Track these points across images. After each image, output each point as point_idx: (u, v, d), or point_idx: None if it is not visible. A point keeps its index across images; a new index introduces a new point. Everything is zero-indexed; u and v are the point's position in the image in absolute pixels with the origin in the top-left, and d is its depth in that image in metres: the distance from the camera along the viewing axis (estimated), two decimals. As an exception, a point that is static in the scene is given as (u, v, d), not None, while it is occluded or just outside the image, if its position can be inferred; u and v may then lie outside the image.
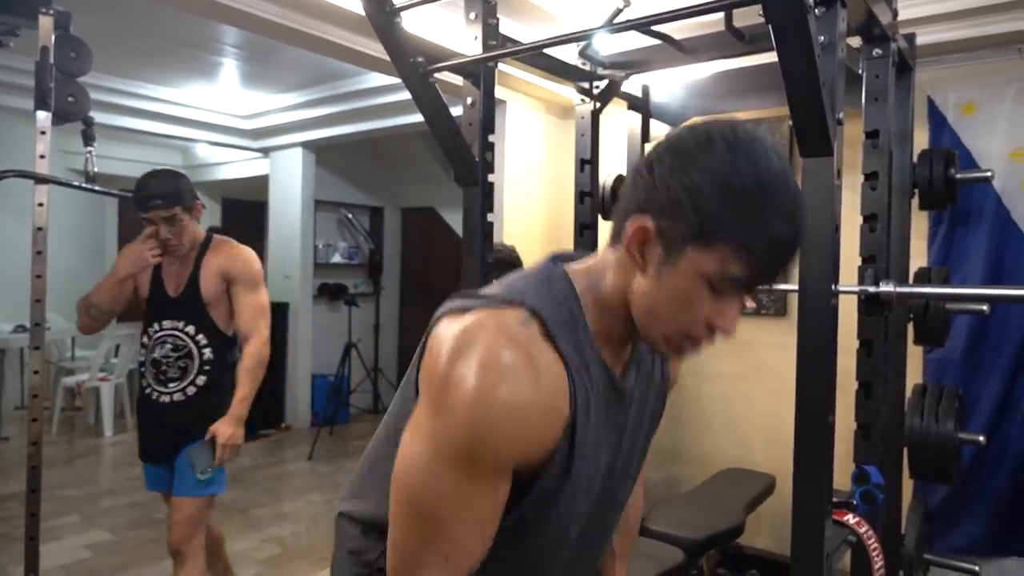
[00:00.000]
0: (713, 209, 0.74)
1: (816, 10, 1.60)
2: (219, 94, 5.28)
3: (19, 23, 2.12)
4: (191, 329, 2.26)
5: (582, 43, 2.77)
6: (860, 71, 2.25)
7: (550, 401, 0.75)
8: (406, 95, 4.28)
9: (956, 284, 2.63)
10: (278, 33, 2.79)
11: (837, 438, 1.78)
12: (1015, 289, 2.50)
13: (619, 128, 3.38)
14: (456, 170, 2.31)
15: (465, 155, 2.24)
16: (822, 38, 1.62)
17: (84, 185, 2.23)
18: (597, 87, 2.98)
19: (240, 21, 2.73)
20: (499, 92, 2.58)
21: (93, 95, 2.21)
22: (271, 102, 5.41)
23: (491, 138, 2.31)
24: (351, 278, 6.41)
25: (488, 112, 2.28)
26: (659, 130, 3.42)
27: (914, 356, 2.71)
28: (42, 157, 2.09)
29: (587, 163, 3.02)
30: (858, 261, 2.17)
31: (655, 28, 2.16)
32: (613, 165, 3.34)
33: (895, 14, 2.15)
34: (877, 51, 2.14)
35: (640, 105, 3.20)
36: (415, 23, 2.35)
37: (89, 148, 2.26)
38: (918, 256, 2.71)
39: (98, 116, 2.30)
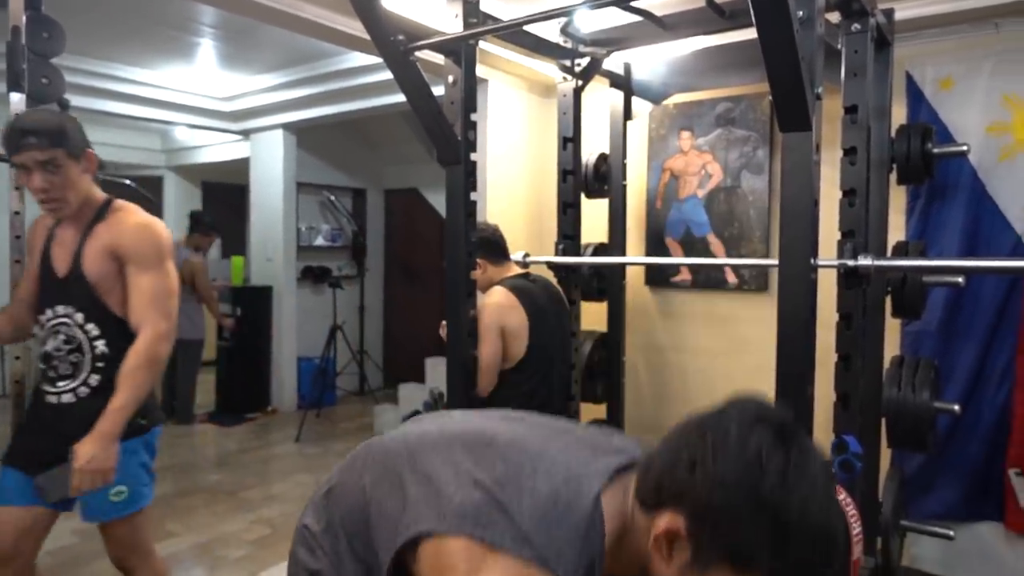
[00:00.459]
0: (754, 541, 0.74)
1: (795, -15, 1.61)
2: (197, 75, 5.20)
3: (-12, 3, 2.08)
4: (80, 317, 1.84)
5: (563, 20, 2.76)
6: (839, 46, 2.26)
7: None
8: (387, 75, 4.24)
9: (933, 257, 2.67)
10: (256, 12, 2.75)
11: (817, 409, 1.82)
12: (989, 260, 2.55)
13: (601, 106, 3.38)
14: (439, 149, 2.31)
15: (447, 134, 2.24)
16: (801, 13, 1.64)
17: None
18: (579, 65, 2.98)
19: (217, 0, 2.69)
20: (480, 71, 2.57)
21: (67, 78, 2.17)
22: (250, 83, 5.34)
23: (473, 117, 2.31)
24: (335, 260, 6.39)
25: (470, 91, 2.28)
26: (641, 107, 3.43)
27: (891, 329, 2.76)
28: (17, 140, 2.05)
29: (569, 141, 3.02)
30: (837, 236, 2.20)
31: (636, 4, 2.15)
32: (596, 143, 3.34)
33: (874, -11, 2.16)
34: (856, 26, 2.15)
35: (622, 82, 3.20)
36: (395, 1, 2.33)
37: (65, 131, 2.22)
38: (896, 231, 2.74)
39: (72, 99, 2.25)
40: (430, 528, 0.85)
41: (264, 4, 2.66)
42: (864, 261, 2.05)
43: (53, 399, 1.86)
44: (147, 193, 2.43)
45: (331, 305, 5.59)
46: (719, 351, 3.39)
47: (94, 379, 1.85)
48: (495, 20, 2.42)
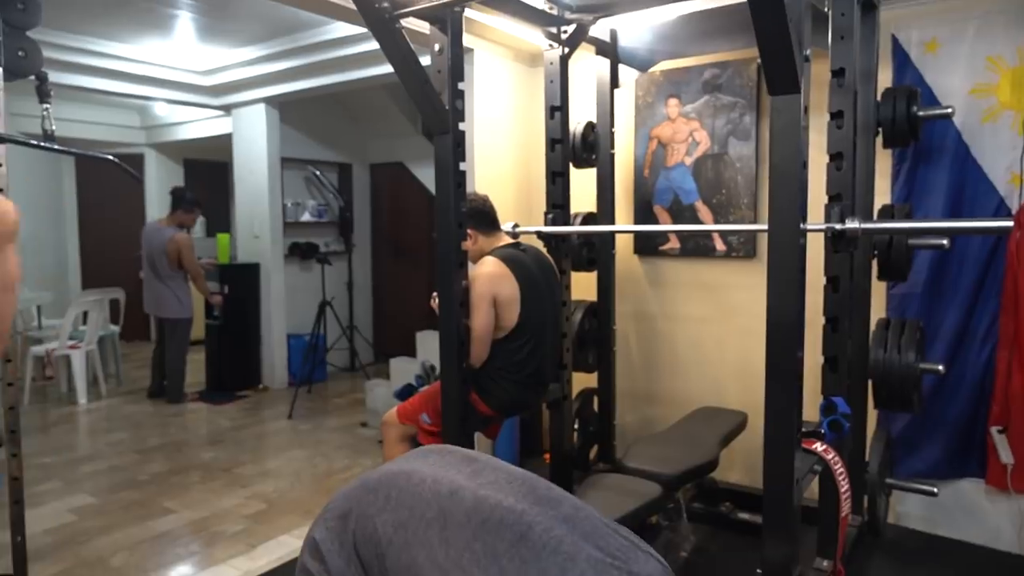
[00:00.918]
0: None
1: (783, -54, 1.60)
2: (175, 49, 5.09)
3: (-41, -26, 2.02)
4: None
5: (549, -14, 2.72)
6: (826, 9, 2.26)
7: None
8: (370, 46, 4.18)
9: (918, 220, 2.70)
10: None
11: (805, 372, 1.85)
12: (973, 222, 2.58)
13: (588, 74, 3.36)
14: (426, 119, 2.29)
15: (435, 103, 2.22)
16: (789, -26, 1.63)
17: (44, 144, 2.16)
18: (565, 32, 2.95)
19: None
20: (466, 40, 2.54)
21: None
22: (230, 56, 5.23)
23: (460, 86, 2.29)
24: (322, 236, 6.34)
25: (456, 59, 2.26)
26: (628, 75, 3.41)
27: (877, 292, 2.80)
28: (-4, 115, 2.02)
29: (557, 110, 3.01)
30: (824, 200, 2.22)
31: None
32: (583, 112, 3.33)
33: (860, -50, 2.15)
34: (843, -12, 2.15)
35: (608, 50, 3.17)
36: (378, -33, 2.28)
37: (45, 105, 2.18)
38: (882, 194, 2.77)
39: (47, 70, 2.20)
40: None
41: (243, -27, 2.61)
42: (851, 224, 2.07)
43: None
44: (132, 170, 2.38)
45: (319, 281, 5.56)
46: (709, 318, 3.42)
47: None
48: None
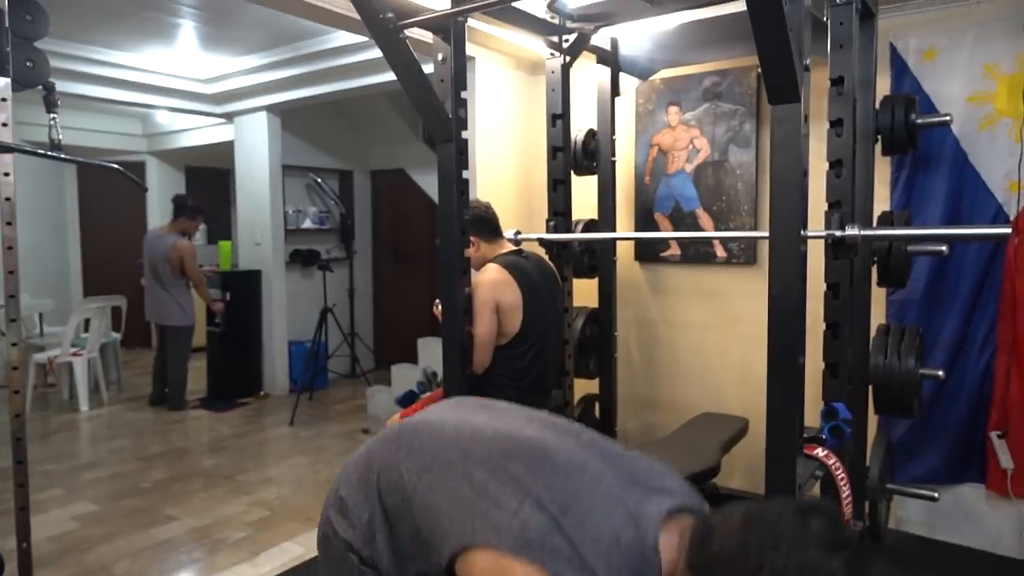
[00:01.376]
0: None
1: (782, -43, 1.62)
2: (178, 58, 5.12)
3: (-32, -15, 2.04)
4: None
5: (551, -4, 2.75)
6: (825, 19, 2.28)
7: None
8: (371, 54, 4.21)
9: (917, 226, 2.72)
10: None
11: (806, 378, 1.87)
12: (972, 228, 2.60)
13: (589, 83, 3.38)
14: (430, 128, 2.31)
15: (438, 112, 2.24)
16: (788, -15, 1.65)
17: (51, 153, 2.18)
18: (566, 41, 2.98)
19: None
20: (468, 49, 2.56)
21: (47, 61, 2.14)
22: (233, 65, 5.26)
23: (463, 95, 2.31)
24: (323, 243, 6.36)
25: (460, 68, 2.28)
26: (628, 83, 3.44)
27: (877, 298, 2.82)
28: (4, 125, 2.04)
29: (558, 118, 3.03)
30: (824, 207, 2.24)
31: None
32: (584, 120, 3.35)
33: (859, -40, 2.18)
34: (841, -2, 2.17)
35: (609, 58, 3.20)
36: (381, -22, 2.31)
37: (52, 115, 2.20)
38: (881, 201, 2.79)
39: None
40: (489, 541, 0.87)
41: (248, -17, 2.63)
42: (851, 231, 2.09)
43: None
44: (136, 178, 2.40)
45: (321, 288, 5.57)
46: (710, 324, 3.44)
47: None
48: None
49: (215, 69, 5.37)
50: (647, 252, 3.60)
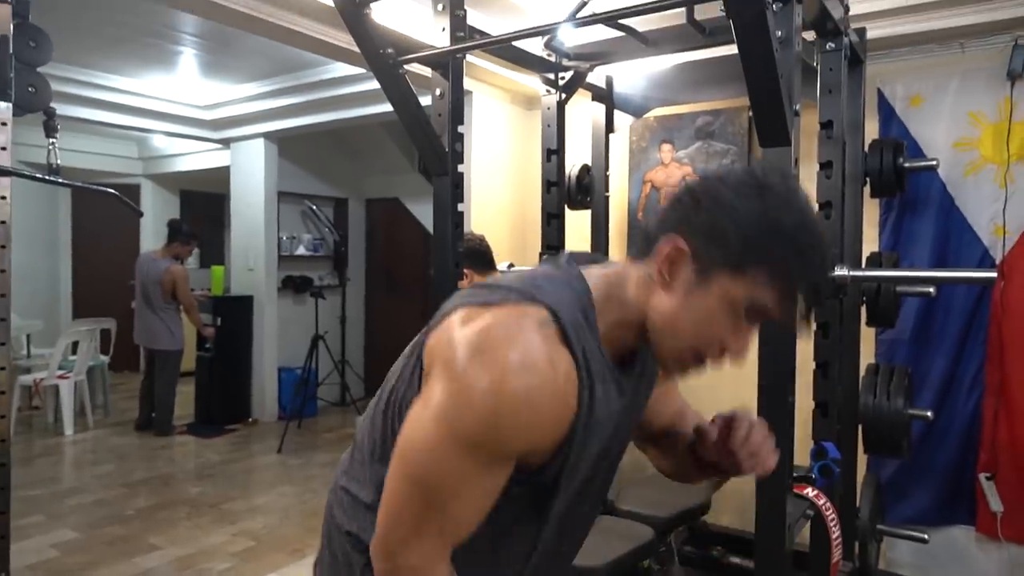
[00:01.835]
0: (759, 242, 0.80)
1: (774, 6, 1.67)
2: (178, 84, 5.17)
3: (-25, 13, 2.07)
4: None
5: (548, 35, 2.81)
6: (815, 64, 2.34)
7: (563, 400, 0.80)
8: (369, 85, 4.26)
9: (905, 268, 2.76)
10: (241, 22, 2.76)
11: (796, 417, 1.87)
12: (960, 272, 2.64)
13: (584, 119, 3.44)
14: (426, 160, 2.33)
15: (435, 146, 2.27)
16: (779, 33, 1.70)
17: (49, 178, 2.19)
18: (562, 78, 3.03)
19: (203, 10, 2.70)
20: (466, 83, 2.60)
21: (48, 85, 2.17)
22: (232, 92, 5.32)
23: (460, 129, 2.34)
24: (316, 270, 6.37)
25: (457, 103, 2.31)
26: (622, 120, 3.49)
27: (867, 337, 2.84)
28: (3, 149, 2.05)
29: (553, 153, 3.07)
30: (814, 247, 2.27)
31: (619, 21, 2.21)
32: (578, 155, 3.39)
33: (846, 9, 2.24)
34: (830, 45, 2.23)
35: (604, 96, 3.25)
36: (383, 14, 2.36)
37: (52, 140, 2.22)
38: (869, 242, 2.83)
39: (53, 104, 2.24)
40: (434, 324, 0.88)
41: (253, 15, 2.68)
42: (841, 271, 2.12)
43: None
44: (132, 203, 2.41)
45: (312, 315, 5.57)
46: (700, 359, 3.44)
47: None
48: (482, 34, 2.46)
49: (214, 96, 5.42)
50: (639, 286, 3.62)
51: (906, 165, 2.60)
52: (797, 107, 1.80)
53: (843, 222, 2.31)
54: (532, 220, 3.59)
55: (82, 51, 4.35)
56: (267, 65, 4.66)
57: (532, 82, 3.37)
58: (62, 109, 4.90)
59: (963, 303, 2.77)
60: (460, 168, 2.35)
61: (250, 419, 5.65)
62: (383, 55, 2.10)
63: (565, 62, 2.97)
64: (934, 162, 2.61)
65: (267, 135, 5.56)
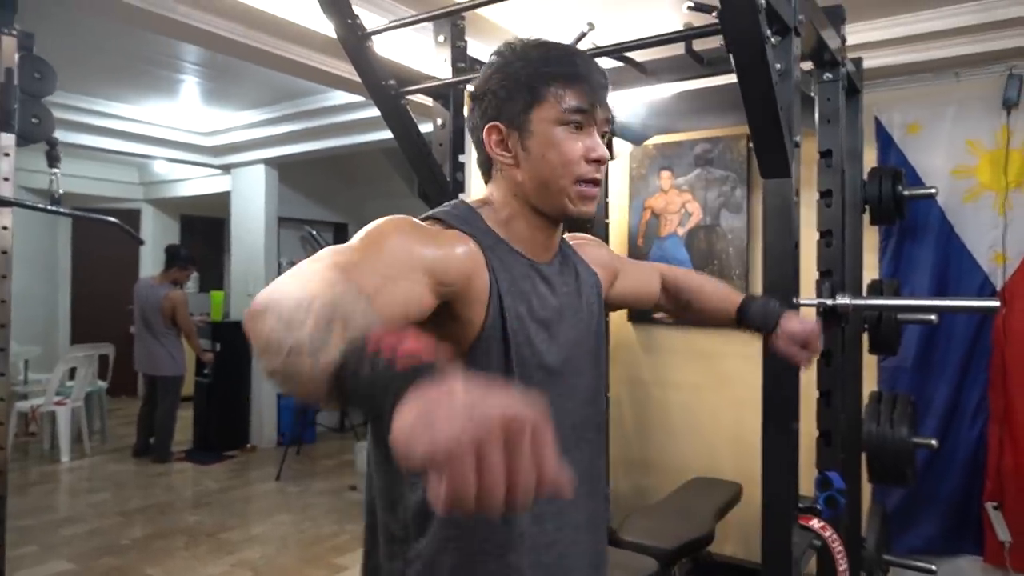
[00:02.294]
0: (531, 74, 0.98)
1: (772, 39, 1.69)
2: (180, 111, 5.21)
3: (-19, 44, 2.09)
4: None
5: (548, 65, 2.84)
6: (812, 94, 2.36)
7: (459, 240, 0.93)
8: (369, 113, 4.29)
9: (906, 296, 2.75)
10: (243, 53, 2.79)
11: (800, 446, 1.86)
12: (962, 300, 2.64)
13: (584, 146, 3.45)
14: (427, 189, 2.34)
15: (436, 175, 2.28)
16: (779, 65, 1.71)
17: (51, 207, 2.20)
18: (563, 107, 3.05)
19: (206, 41, 2.73)
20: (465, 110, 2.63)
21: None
22: (233, 119, 5.36)
23: (461, 158, 2.36)
24: (316, 295, 6.36)
25: (458, 133, 2.33)
26: (622, 148, 3.52)
27: (869, 365, 2.83)
28: (6, 180, 2.06)
29: (554, 181, 3.08)
30: (814, 275, 2.27)
31: (618, 52, 2.23)
32: (578, 182, 3.40)
33: (843, 40, 2.27)
34: (828, 75, 2.25)
35: (604, 124, 3.27)
36: (385, 45, 2.38)
37: (54, 170, 2.23)
38: (869, 269, 2.83)
39: (55, 133, 2.25)
40: None
41: (254, 46, 2.71)
42: (842, 300, 2.12)
43: None
44: (133, 231, 2.42)
45: (312, 340, 5.54)
46: (702, 386, 3.43)
47: None
48: (483, 64, 2.49)
49: (215, 123, 5.46)
50: (640, 312, 3.61)
51: (905, 193, 2.62)
52: (797, 139, 1.81)
53: (844, 249, 2.31)
54: (532, 246, 3.60)
55: (85, 79, 4.39)
56: (268, 92, 4.70)
57: (532, 110, 3.39)
58: (65, 136, 4.96)
59: (965, 330, 2.76)
60: (461, 196, 2.35)
61: (248, 445, 5.61)
62: (385, 86, 2.12)
63: (565, 91, 2.99)
64: (933, 190, 2.63)
65: (267, 161, 5.60)
